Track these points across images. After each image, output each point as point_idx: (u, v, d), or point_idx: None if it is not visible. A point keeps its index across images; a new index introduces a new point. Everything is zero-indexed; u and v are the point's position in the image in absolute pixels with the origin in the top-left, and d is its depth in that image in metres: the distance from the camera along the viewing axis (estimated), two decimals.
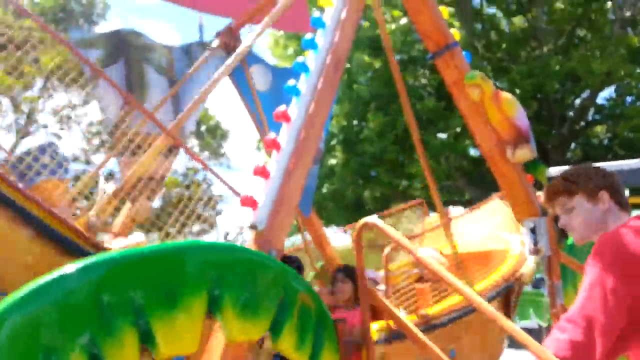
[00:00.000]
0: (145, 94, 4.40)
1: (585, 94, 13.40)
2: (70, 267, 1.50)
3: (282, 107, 2.44)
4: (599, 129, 13.86)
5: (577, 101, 13.75)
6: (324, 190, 14.36)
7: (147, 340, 1.58)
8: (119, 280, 1.54)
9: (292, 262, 4.74)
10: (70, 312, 1.43)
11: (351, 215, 11.52)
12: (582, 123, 13.97)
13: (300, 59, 2.60)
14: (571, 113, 13.82)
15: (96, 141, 11.03)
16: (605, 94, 14.30)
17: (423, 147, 4.52)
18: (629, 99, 13.13)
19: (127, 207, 4.40)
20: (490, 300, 4.04)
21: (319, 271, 5.32)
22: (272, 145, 2.45)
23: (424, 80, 13.92)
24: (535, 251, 3.76)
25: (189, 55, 4.50)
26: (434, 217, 5.77)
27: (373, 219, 2.47)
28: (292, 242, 6.68)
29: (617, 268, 1.51)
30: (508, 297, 3.93)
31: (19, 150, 10.53)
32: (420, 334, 2.27)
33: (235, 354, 2.21)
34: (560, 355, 1.49)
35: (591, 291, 1.53)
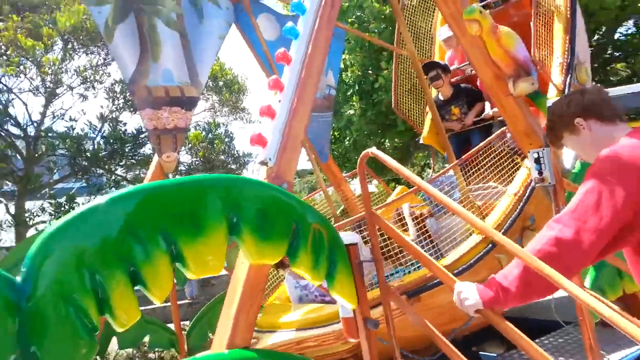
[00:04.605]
0: (159, 49, 4.51)
1: (602, 31, 12.98)
2: (101, 199, 1.68)
3: (281, 49, 2.58)
4: (618, 66, 13.50)
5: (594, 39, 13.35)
6: (346, 142, 14.39)
7: (179, 261, 1.80)
8: (148, 211, 1.73)
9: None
10: (108, 242, 1.64)
11: (374, 165, 11.57)
12: (600, 60, 13.59)
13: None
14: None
15: (121, 100, 11.26)
16: (623, 30, 13.73)
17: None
18: None
19: (156, 159, 4.64)
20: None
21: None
22: (275, 86, 2.60)
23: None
24: (540, 180, 3.90)
25: (196, 7, 4.56)
26: None
27: (374, 149, 2.66)
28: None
29: (615, 177, 1.50)
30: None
31: (49, 111, 10.89)
32: (426, 255, 2.46)
33: (257, 274, 2.48)
34: (546, 249, 1.52)
35: (585, 196, 1.53)
